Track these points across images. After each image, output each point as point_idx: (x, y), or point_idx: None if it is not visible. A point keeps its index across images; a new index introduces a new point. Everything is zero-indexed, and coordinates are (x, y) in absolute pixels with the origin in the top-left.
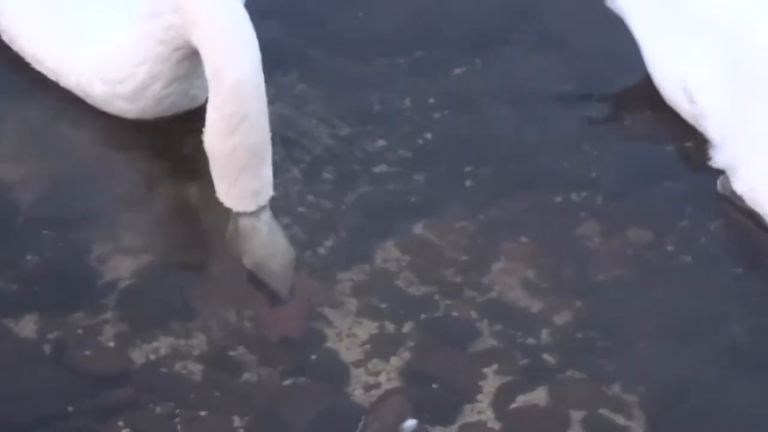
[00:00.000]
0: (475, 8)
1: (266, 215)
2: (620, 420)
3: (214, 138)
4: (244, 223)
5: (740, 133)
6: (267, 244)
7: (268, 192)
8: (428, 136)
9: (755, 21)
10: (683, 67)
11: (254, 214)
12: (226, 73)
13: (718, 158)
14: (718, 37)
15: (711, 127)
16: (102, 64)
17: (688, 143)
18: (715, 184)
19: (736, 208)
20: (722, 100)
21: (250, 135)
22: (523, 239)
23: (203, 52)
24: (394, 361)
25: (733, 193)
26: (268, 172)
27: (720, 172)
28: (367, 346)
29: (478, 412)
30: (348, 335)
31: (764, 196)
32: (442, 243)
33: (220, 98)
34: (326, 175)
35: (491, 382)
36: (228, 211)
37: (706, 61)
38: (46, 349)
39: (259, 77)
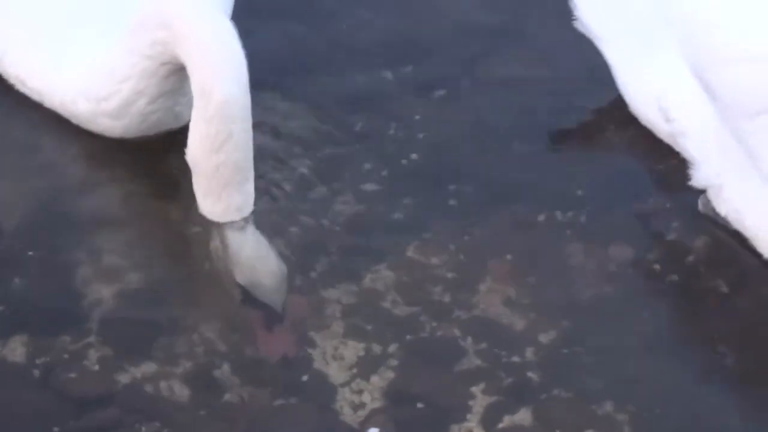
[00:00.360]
0: (458, 27)
1: (251, 228)
2: None
3: (198, 154)
4: (229, 237)
5: (721, 153)
6: (255, 258)
7: (250, 205)
8: (413, 155)
9: (727, 34)
10: (657, 86)
11: (239, 227)
12: (213, 92)
13: (698, 177)
14: (690, 52)
15: (689, 145)
16: (86, 81)
17: (672, 161)
18: (698, 201)
19: (719, 225)
20: (700, 118)
21: (234, 153)
22: (508, 258)
23: (190, 69)
24: (381, 381)
25: (715, 212)
26: (250, 187)
27: (701, 191)
28: (354, 367)
29: None
30: (335, 356)
31: (748, 218)
32: (427, 262)
33: (206, 116)
34: (311, 195)
35: (478, 401)
36: (213, 229)
37: (680, 79)
38: (32, 371)
39: (245, 97)
